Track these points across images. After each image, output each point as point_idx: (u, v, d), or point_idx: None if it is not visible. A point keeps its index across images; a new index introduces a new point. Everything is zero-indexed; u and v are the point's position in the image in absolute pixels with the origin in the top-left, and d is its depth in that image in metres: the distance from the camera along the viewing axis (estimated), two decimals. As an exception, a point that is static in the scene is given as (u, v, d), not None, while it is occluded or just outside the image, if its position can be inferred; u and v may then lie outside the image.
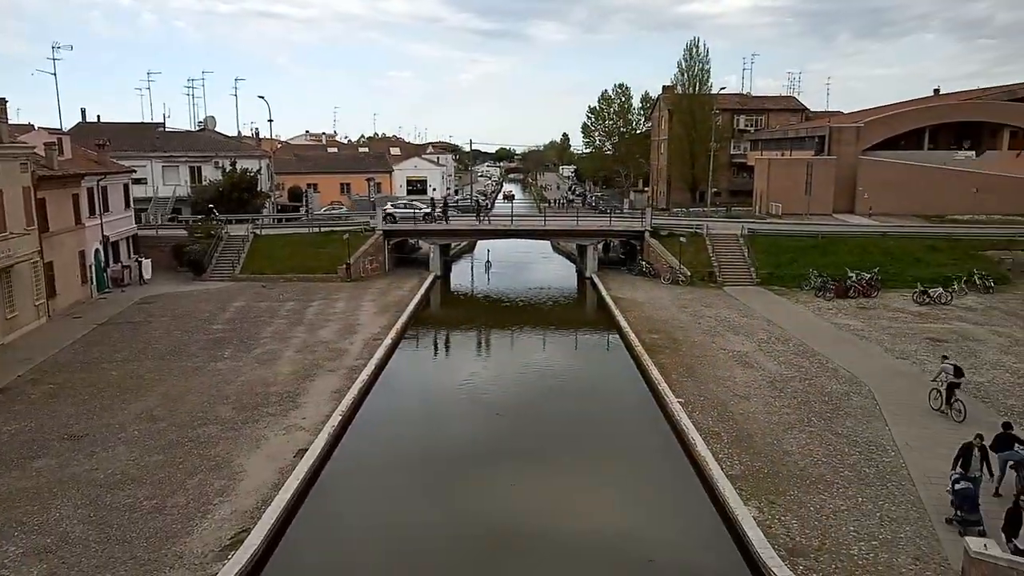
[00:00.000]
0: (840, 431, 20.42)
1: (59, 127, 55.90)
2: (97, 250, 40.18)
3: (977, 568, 12.46)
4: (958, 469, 15.57)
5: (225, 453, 19.14)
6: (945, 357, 23.20)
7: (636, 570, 15.05)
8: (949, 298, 37.00)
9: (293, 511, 16.77)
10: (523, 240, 53.96)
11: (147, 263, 43.52)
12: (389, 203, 56.74)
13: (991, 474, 16.25)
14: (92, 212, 39.84)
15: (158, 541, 14.84)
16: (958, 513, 14.57)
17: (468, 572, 14.99)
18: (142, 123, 71.27)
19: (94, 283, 39.39)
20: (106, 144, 46.35)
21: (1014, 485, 16.20)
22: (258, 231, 49.09)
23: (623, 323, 33.72)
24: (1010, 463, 16.58)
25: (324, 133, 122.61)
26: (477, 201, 54.58)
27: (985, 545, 12.57)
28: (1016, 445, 16.56)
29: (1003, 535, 13.38)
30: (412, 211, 51.66)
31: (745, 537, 15.24)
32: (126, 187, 45.82)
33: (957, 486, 14.59)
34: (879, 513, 15.90)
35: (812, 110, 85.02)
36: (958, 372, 21.46)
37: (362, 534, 16.45)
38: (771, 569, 13.98)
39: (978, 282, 39.31)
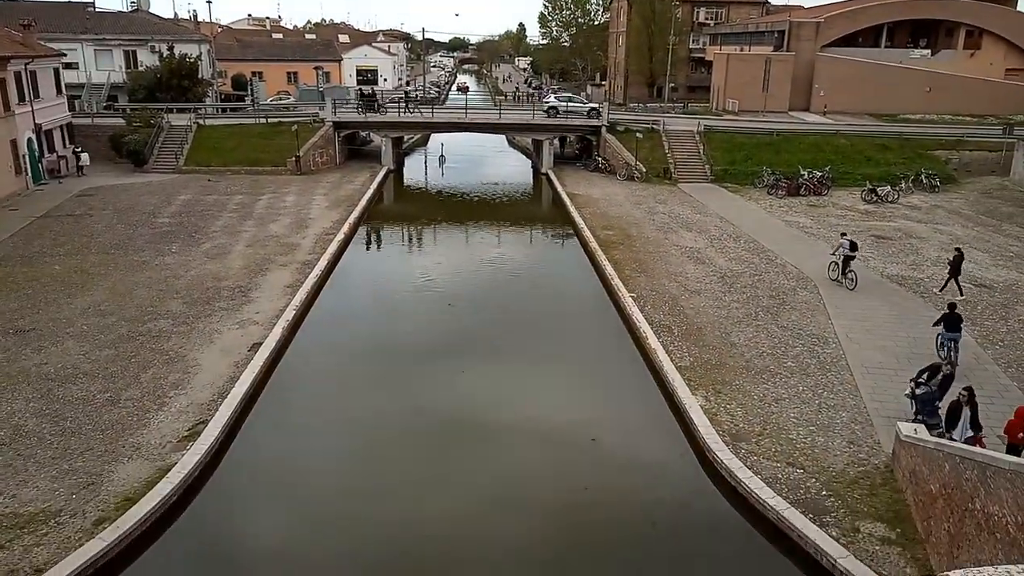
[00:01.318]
0: (786, 324, 21.13)
1: (-22, 4, 51.85)
2: (30, 139, 38.15)
3: (907, 450, 13.27)
4: (922, 378, 15.36)
5: (178, 347, 18.99)
6: (843, 234, 25.59)
7: (581, 447, 15.64)
8: (896, 197, 37.84)
9: (250, 404, 16.87)
10: (478, 134, 52.94)
11: (85, 154, 41.56)
12: (552, 95, 52.88)
13: (940, 396, 16.45)
14: (21, 99, 37.54)
15: (114, 433, 14.84)
16: (918, 416, 14.63)
17: (420, 456, 15.40)
18: (70, 2, 66.34)
19: (29, 174, 37.63)
20: (32, 25, 43.19)
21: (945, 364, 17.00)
22: (201, 121, 47.11)
23: (578, 219, 33.78)
24: (955, 341, 17.91)
25: (268, 18, 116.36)
26: (405, 93, 52.56)
27: (915, 430, 13.35)
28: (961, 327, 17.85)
29: (943, 428, 14.09)
30: (568, 105, 49.39)
31: (691, 423, 15.92)
32: (56, 72, 43.09)
33: (918, 391, 14.81)
34: (818, 401, 16.70)
35: (773, 3, 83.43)
36: (853, 247, 24.34)
37: (319, 425, 16.68)
38: (715, 453, 14.70)
39: (924, 181, 40.17)
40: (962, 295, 22.97)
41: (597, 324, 23.07)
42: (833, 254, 25.16)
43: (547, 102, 50.38)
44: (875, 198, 37.49)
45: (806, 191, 38.97)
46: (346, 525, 13.43)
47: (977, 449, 11.54)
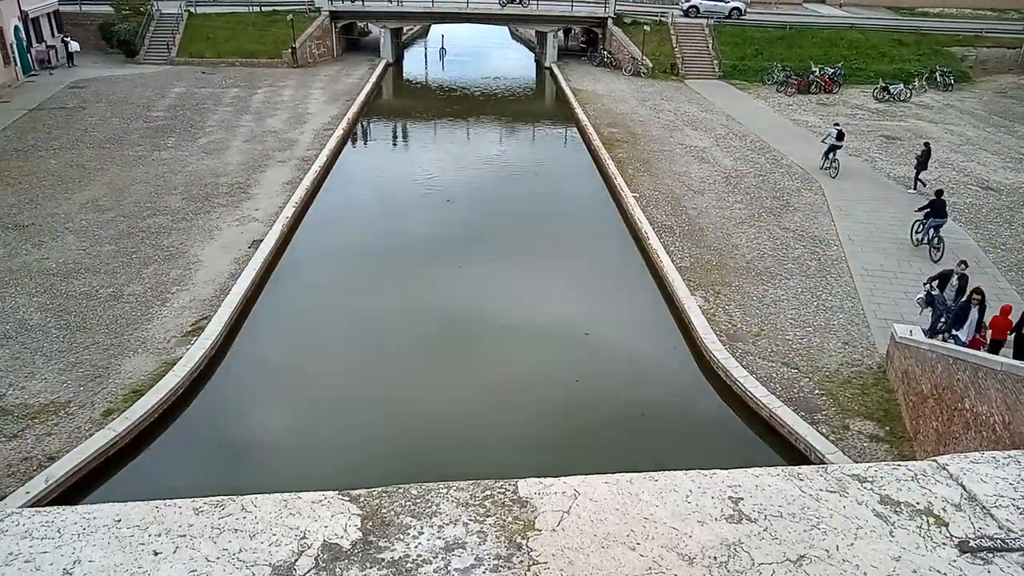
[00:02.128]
0: (788, 226, 21.02)
1: None
2: (16, 28, 36.84)
3: (900, 351, 13.45)
4: (933, 285, 14.99)
5: (179, 244, 18.98)
6: (836, 123, 26.64)
7: (577, 343, 15.89)
8: (908, 95, 36.86)
9: (251, 300, 17.01)
10: (479, 25, 51.13)
11: (74, 44, 40.24)
12: None
13: (948, 306, 15.49)
14: (4, -17, 36.02)
15: (119, 328, 15.03)
16: (943, 320, 14.20)
17: (417, 347, 15.65)
18: None
19: (18, 65, 36.55)
20: (9, -99, 40.91)
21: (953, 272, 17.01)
22: (192, 9, 45.37)
23: (582, 116, 33.05)
24: (938, 227, 18.80)
25: None
26: None
27: (911, 331, 13.49)
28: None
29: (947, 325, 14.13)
30: (717, 2, 46.28)
31: (690, 324, 16.09)
32: (39, -46, 41.15)
33: (934, 292, 14.60)
34: (816, 303, 16.81)
35: None
36: (840, 136, 25.05)
37: (319, 320, 16.86)
38: (711, 352, 14.93)
39: (938, 79, 39.04)
40: (914, 189, 23.55)
41: (598, 223, 22.95)
42: (823, 141, 25.80)
43: (688, 1, 46.84)
44: (887, 96, 36.53)
45: (817, 88, 37.93)
46: (346, 416, 13.78)
47: (970, 351, 11.70)
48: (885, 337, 14.62)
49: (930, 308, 14.82)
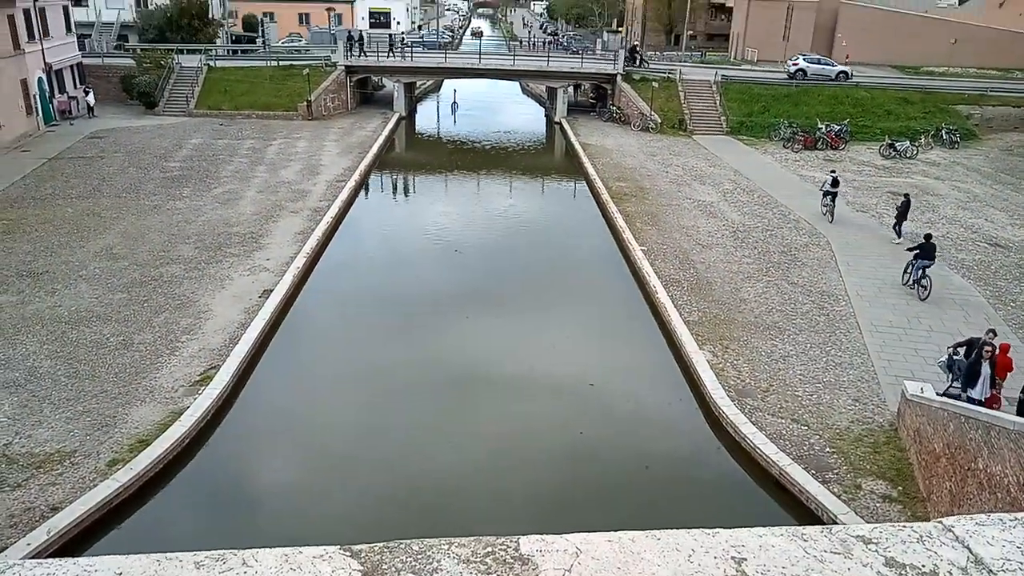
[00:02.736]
0: (796, 281, 21.03)
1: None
2: (40, 79, 37.88)
3: (911, 409, 13.30)
4: (958, 351, 14.53)
5: (190, 292, 19.13)
6: (832, 171, 27.70)
7: (584, 396, 15.77)
8: (915, 152, 37.17)
9: (260, 350, 17.05)
10: (491, 80, 52.20)
11: (91, 95, 41.24)
12: (801, 57, 47.43)
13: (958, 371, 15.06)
14: (31, 36, 37.15)
15: (127, 376, 15.06)
16: (955, 383, 13.91)
17: (424, 399, 15.56)
18: (78, -62, 64.95)
19: (40, 115, 37.47)
20: (40, -39, 42.45)
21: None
22: (212, 63, 46.58)
23: (590, 170, 33.44)
24: (926, 268, 19.57)
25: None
26: (349, 34, 49.13)
27: (922, 389, 13.35)
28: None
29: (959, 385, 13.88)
30: (825, 66, 46.83)
31: (698, 378, 15.99)
32: (66, 9, 42.50)
33: (955, 356, 14.30)
34: (825, 359, 16.70)
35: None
36: (835, 183, 26.06)
37: (327, 370, 16.88)
38: (721, 408, 14.80)
39: (945, 137, 39.38)
40: (899, 239, 23.92)
41: (606, 276, 23.03)
42: (821, 188, 26.93)
43: (795, 64, 47.11)
44: (893, 153, 36.85)
45: (823, 145, 38.33)
46: (353, 467, 13.67)
47: (981, 409, 11.55)
48: (896, 394, 14.49)
49: (951, 373, 14.52)
